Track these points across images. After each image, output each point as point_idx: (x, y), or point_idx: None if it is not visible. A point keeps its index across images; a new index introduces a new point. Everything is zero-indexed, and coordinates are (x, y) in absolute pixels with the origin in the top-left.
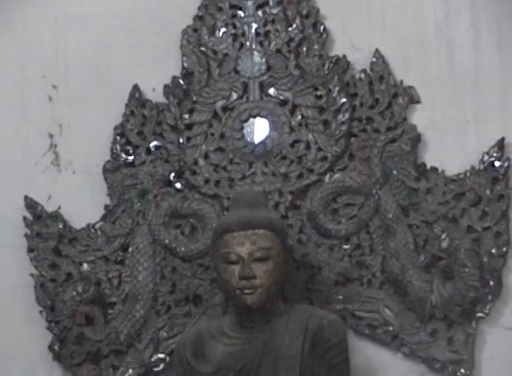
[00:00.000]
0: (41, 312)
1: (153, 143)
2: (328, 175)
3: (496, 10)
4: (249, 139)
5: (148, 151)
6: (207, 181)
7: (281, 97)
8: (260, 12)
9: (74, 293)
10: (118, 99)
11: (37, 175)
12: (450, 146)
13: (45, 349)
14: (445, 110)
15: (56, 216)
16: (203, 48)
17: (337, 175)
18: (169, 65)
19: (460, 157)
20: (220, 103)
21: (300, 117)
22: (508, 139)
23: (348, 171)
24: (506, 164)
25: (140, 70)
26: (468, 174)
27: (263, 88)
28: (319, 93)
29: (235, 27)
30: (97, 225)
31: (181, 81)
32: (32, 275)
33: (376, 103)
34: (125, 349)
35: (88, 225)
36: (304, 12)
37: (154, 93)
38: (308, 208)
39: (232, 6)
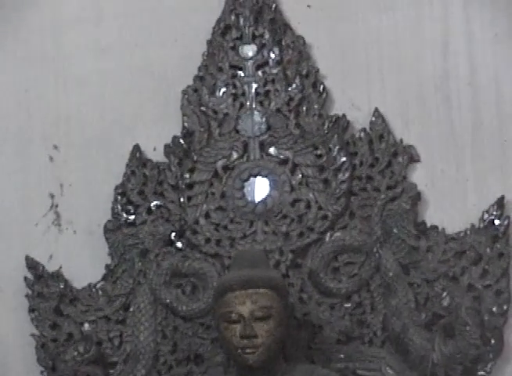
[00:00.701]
0: (42, 372)
1: (154, 203)
2: (329, 234)
3: (493, 69)
4: (249, 198)
5: (149, 211)
6: (208, 240)
7: (281, 156)
8: (260, 72)
9: (75, 353)
10: (119, 158)
11: (38, 235)
12: (450, 205)
13: None
14: (445, 168)
15: (57, 276)
16: (203, 108)
17: (337, 234)
18: (170, 125)
19: (460, 216)
20: (220, 163)
21: (300, 176)
22: (508, 197)
23: (349, 230)
24: (505, 223)
25: (141, 129)
26: (468, 232)
27: (263, 147)
28: (319, 152)
29: (235, 86)
30: (98, 285)
31: (181, 141)
32: (33, 335)
33: (376, 162)
34: None
35: (89, 284)
36: (304, 72)
37: (155, 153)
38: (308, 267)
39: (232, 66)
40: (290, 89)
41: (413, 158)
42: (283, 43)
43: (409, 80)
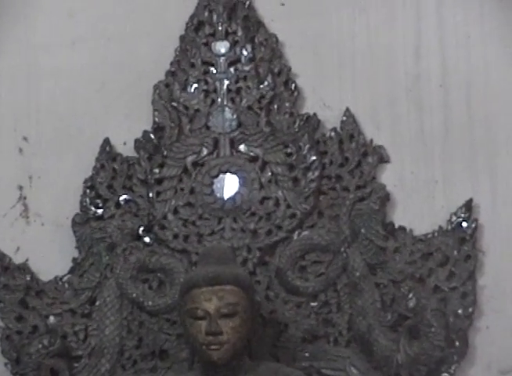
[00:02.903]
0: (6, 364)
1: (123, 197)
2: (297, 233)
3: (465, 71)
4: (218, 195)
5: (117, 205)
6: (175, 236)
7: (251, 153)
8: (232, 69)
9: (40, 346)
10: (89, 152)
11: (5, 227)
12: (418, 206)
13: None
14: (414, 169)
15: (24, 268)
16: (174, 104)
17: (305, 233)
18: (140, 119)
19: (428, 217)
20: (190, 159)
21: (270, 173)
22: (476, 200)
23: (317, 229)
24: (473, 226)
25: (111, 123)
26: (436, 234)
27: (234, 144)
28: (289, 150)
29: (207, 83)
30: (65, 278)
31: (152, 136)
32: None
33: (346, 162)
34: None
35: (55, 277)
36: (276, 70)
37: (125, 147)
38: (276, 265)
39: (205, 62)
40: (261, 87)
41: (383, 159)
42: (256, 40)
43: (381, 80)
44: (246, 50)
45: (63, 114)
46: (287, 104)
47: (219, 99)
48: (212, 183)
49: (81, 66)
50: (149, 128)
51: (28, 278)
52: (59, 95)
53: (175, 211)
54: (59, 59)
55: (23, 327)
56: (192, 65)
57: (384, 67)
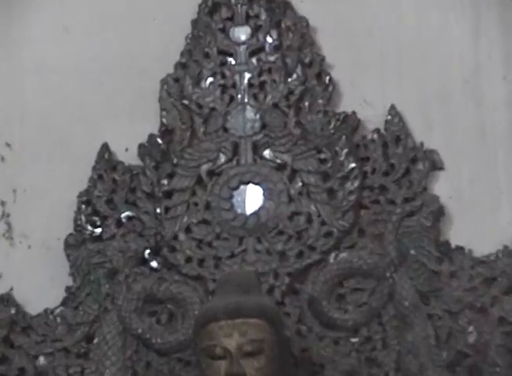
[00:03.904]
0: None
1: (125, 214)
2: (333, 254)
3: None
4: (239, 210)
5: (119, 223)
6: (188, 259)
7: (278, 160)
8: (254, 60)
9: None
10: (84, 160)
11: None
12: (479, 222)
13: None
14: (474, 178)
15: (8, 299)
16: (185, 102)
17: (343, 255)
18: (145, 121)
19: (491, 235)
20: (205, 167)
21: (300, 184)
22: None
23: (357, 250)
24: None
25: (110, 126)
26: (500, 255)
27: (257, 149)
28: (323, 156)
29: (224, 76)
30: (56, 311)
31: (159, 140)
32: None
33: (392, 169)
34: None
35: (45, 310)
36: (307, 60)
37: (127, 154)
38: (308, 293)
39: (221, 52)
40: (289, 80)
41: (436, 165)
42: (283, 25)
43: (433, 72)
44: (270, 37)
45: (52, 116)
46: (320, 101)
47: (239, 96)
48: (232, 196)
49: (74, 59)
50: (155, 131)
51: (13, 311)
52: (47, 94)
53: (188, 230)
54: (49, 52)
55: (7, 369)
56: (207, 55)
57: (437, 57)
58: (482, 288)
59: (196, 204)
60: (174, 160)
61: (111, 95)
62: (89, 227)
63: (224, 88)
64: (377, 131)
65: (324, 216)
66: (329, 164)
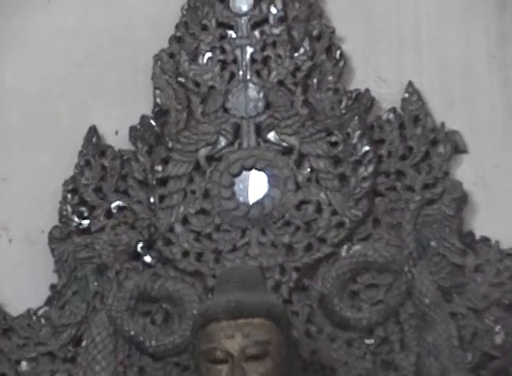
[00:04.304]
0: None
1: (115, 203)
2: (345, 247)
3: None
4: (241, 199)
5: (108, 214)
6: (185, 253)
7: (284, 144)
8: (257, 33)
9: None
10: (69, 144)
11: None
12: (506, 210)
13: None
14: (500, 162)
15: None
16: (181, 79)
17: (356, 247)
18: (137, 101)
19: None
20: (204, 151)
21: (308, 170)
22: None
23: (372, 242)
24: None
25: (98, 107)
26: None
27: (260, 131)
28: (333, 139)
29: (224, 51)
30: (40, 312)
31: (152, 122)
32: None
33: (410, 153)
34: None
35: (28, 311)
36: (315, 33)
37: (117, 138)
38: (318, 290)
39: (221, 24)
40: (296, 55)
41: (459, 148)
42: None
43: (455, 45)
44: (275, 7)
45: (34, 96)
46: (331, 78)
47: (240, 73)
48: (233, 184)
49: (58, 35)
50: (148, 112)
51: None
52: (28, 71)
53: (185, 221)
54: (30, 27)
55: None
56: (205, 28)
57: (458, 26)
58: (510, 283)
59: (193, 193)
60: (170, 144)
61: (99, 73)
62: (76, 219)
63: (224, 64)
64: (393, 110)
65: (335, 205)
66: (340, 148)
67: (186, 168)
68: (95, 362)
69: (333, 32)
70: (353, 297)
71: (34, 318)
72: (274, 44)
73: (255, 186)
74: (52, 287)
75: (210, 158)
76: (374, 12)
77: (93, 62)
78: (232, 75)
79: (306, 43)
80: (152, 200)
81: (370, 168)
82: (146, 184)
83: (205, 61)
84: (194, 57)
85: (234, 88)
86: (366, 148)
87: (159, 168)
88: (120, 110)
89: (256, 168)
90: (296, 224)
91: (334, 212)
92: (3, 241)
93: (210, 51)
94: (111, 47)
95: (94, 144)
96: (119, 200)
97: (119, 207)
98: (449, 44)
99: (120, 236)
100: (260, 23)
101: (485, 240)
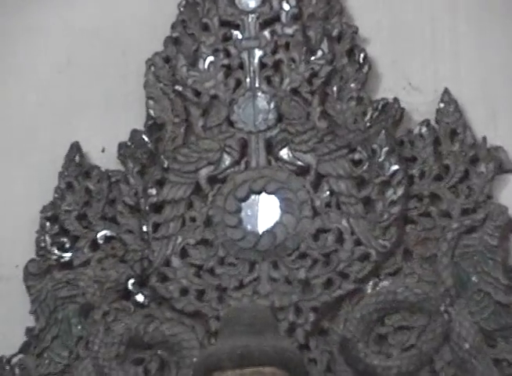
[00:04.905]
0: None
1: (102, 233)
2: (371, 283)
3: None
4: (249, 227)
5: (94, 245)
6: (184, 291)
7: (299, 162)
8: (266, 33)
9: None
10: (49, 164)
11: None
12: None
13: None
14: None
15: None
16: (179, 88)
17: (384, 283)
18: (127, 113)
19: None
20: (205, 172)
21: (328, 193)
22: None
23: (402, 278)
24: None
25: (82, 120)
26: None
27: (271, 148)
28: (356, 157)
29: (228, 55)
30: (14, 360)
31: (145, 138)
32: None
33: (446, 173)
34: None
35: (0, 358)
36: (335, 33)
37: (104, 156)
38: (340, 334)
39: (224, 23)
40: (312, 59)
41: (503, 167)
42: None
43: (498, 45)
44: (287, 3)
45: (7, 109)
46: (353, 85)
47: (248, 80)
48: (239, 209)
49: (34, 30)
50: (140, 126)
51: None
52: (2, 78)
53: (183, 254)
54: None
55: None
56: (206, 27)
57: (502, 26)
58: None
59: (193, 220)
60: (165, 164)
61: (83, 80)
62: (56, 251)
63: (228, 69)
64: (427, 123)
65: (359, 234)
66: (364, 167)
67: (185, 192)
68: None
69: (355, 32)
70: (380, 341)
71: (8, 367)
72: (287, 46)
73: (265, 211)
74: (29, 330)
75: (212, 179)
76: (403, 9)
77: (76, 67)
78: (238, 83)
79: (324, 45)
80: (145, 228)
81: (400, 191)
82: (138, 210)
83: (206, 66)
84: (193, 62)
85: (240, 97)
86: (395, 167)
87: (153, 191)
88: (107, 124)
89: (266, 191)
90: (313, 256)
91: (358, 242)
92: None
93: (212, 54)
94: (97, 50)
95: (77, 163)
96: (106, 229)
97: (106, 238)
98: (492, 47)
99: (107, 272)
100: (270, 21)
101: None
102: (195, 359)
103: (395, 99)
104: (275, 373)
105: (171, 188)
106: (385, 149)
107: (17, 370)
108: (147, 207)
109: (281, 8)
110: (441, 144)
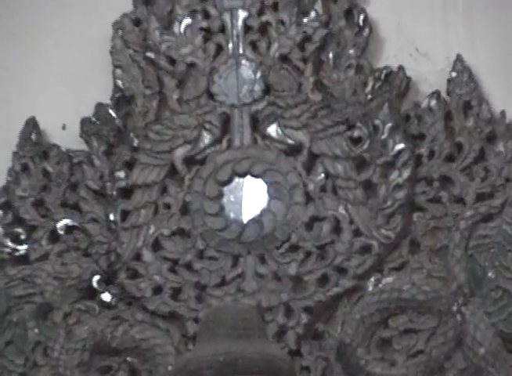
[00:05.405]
0: None
1: (63, 222)
2: (373, 280)
3: None
4: (232, 216)
5: (53, 236)
6: (157, 289)
7: (289, 141)
8: None
9: None
10: (2, 143)
11: None
12: None
13: None
14: None
15: None
16: (150, 55)
17: (388, 280)
18: (90, 84)
19: None
20: (181, 152)
21: (322, 175)
22: None
23: (409, 273)
24: None
25: (39, 92)
26: None
27: (257, 124)
28: (356, 134)
29: (207, 16)
30: None
31: (112, 113)
32: None
33: (459, 152)
34: None
35: None
36: None
37: (64, 133)
38: (337, 338)
39: None
40: (305, 21)
41: None
42: None
43: None
44: None
45: None
46: (352, 51)
47: (230, 46)
48: (221, 195)
49: None
50: (106, 99)
51: None
52: None
53: (156, 246)
54: None
55: None
56: None
57: None
58: None
59: (167, 207)
60: (135, 143)
61: (40, 47)
62: (9, 243)
63: (207, 33)
64: (437, 95)
65: (358, 223)
66: (365, 146)
67: (158, 175)
68: None
69: None
70: (384, 346)
71: None
72: (275, 6)
73: (251, 197)
74: None
75: (189, 160)
76: None
77: (31, 30)
78: (219, 49)
79: (318, 5)
80: (112, 217)
81: (406, 173)
82: (104, 196)
83: (182, 30)
84: (168, 24)
85: (222, 66)
86: (400, 146)
87: (121, 174)
88: (68, 96)
89: (252, 174)
90: (306, 249)
91: (357, 233)
92: None
93: (188, 16)
94: (55, 11)
95: (33, 142)
96: (67, 217)
97: (67, 228)
98: (509, 6)
99: (69, 267)
100: None
101: None
102: (170, 368)
103: (400, 68)
104: None
105: (142, 170)
106: (389, 125)
107: None
108: (114, 193)
109: None
110: (453, 119)
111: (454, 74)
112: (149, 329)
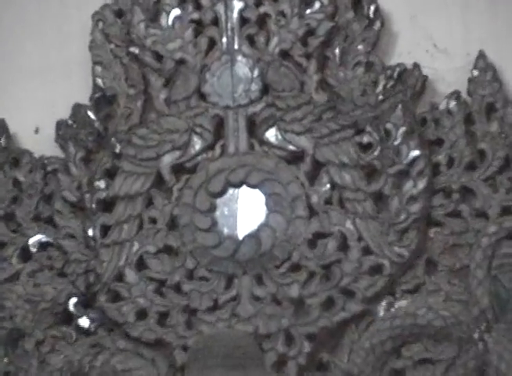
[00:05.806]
0: None
1: (36, 238)
2: (384, 303)
3: None
4: (226, 231)
5: (24, 254)
6: (141, 314)
7: (291, 147)
8: None
9: None
10: None
11: None
12: None
13: None
14: None
15: None
16: (134, 50)
17: (401, 303)
18: (67, 82)
19: None
20: (169, 159)
21: (328, 186)
22: None
23: (425, 296)
24: None
25: (10, 91)
26: None
27: (255, 128)
28: (365, 140)
29: (198, 7)
30: None
31: (91, 115)
32: None
33: (481, 160)
34: None
35: None
36: None
37: (38, 137)
38: (343, 369)
39: None
40: (308, 13)
41: None
42: None
43: None
44: None
45: None
46: (361, 47)
47: (224, 40)
48: (213, 208)
49: None
50: (85, 99)
51: None
52: None
53: (140, 265)
54: None
55: None
56: None
57: None
58: None
59: (153, 222)
60: (117, 148)
61: (11, 40)
62: None
63: (198, 26)
64: (456, 95)
65: (368, 239)
66: (375, 153)
67: (142, 185)
68: None
69: None
70: None
71: None
72: None
73: (247, 210)
74: None
75: (178, 169)
76: None
77: (4, 22)
78: (212, 43)
79: None
80: (90, 232)
81: (422, 184)
82: (82, 208)
83: (170, 22)
84: (154, 16)
85: (215, 62)
86: (415, 153)
87: (101, 184)
88: (41, 96)
89: (248, 184)
90: (309, 268)
91: (367, 250)
92: None
93: (177, 7)
94: (30, 2)
95: (2, 147)
96: (40, 233)
97: (40, 244)
98: None
99: (42, 288)
100: None
101: None
102: None
103: (415, 65)
104: None
105: (125, 180)
106: (402, 129)
107: None
108: (94, 205)
109: None
110: (475, 123)
111: (476, 73)
112: (132, 358)
